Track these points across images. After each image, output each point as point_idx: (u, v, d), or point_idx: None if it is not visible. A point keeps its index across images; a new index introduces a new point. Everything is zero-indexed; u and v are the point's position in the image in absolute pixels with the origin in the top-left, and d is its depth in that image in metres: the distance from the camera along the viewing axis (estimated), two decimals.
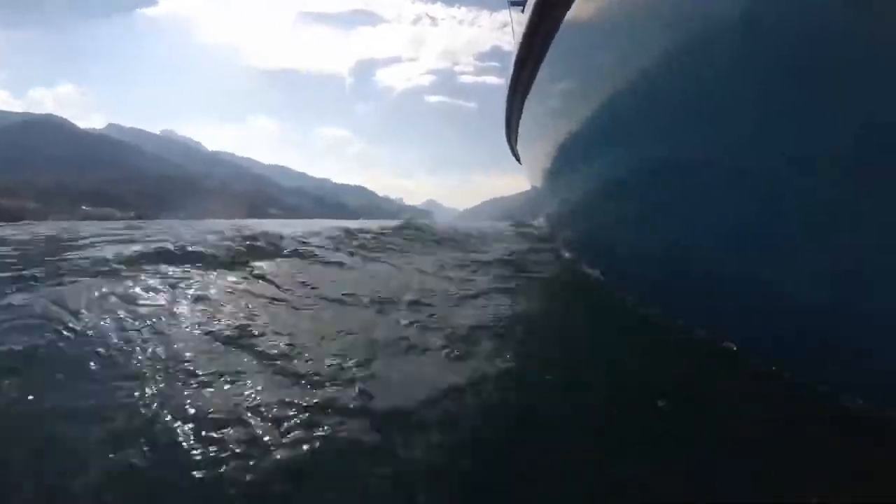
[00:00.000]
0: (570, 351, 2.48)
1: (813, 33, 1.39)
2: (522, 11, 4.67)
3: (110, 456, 1.34)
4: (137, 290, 2.79)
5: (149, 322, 2.32)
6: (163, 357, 1.97)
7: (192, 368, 1.88)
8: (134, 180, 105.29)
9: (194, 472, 1.29)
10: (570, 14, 2.92)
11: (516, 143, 7.25)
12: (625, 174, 2.80)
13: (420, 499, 1.28)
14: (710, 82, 1.80)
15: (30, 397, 1.59)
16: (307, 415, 1.61)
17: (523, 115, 5.48)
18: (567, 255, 5.66)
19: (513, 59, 4.81)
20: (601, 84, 2.68)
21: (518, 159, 8.13)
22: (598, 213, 3.67)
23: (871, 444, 1.50)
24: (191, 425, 1.50)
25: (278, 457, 1.37)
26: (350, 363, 2.02)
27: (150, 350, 2.01)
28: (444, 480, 1.37)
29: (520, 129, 6.09)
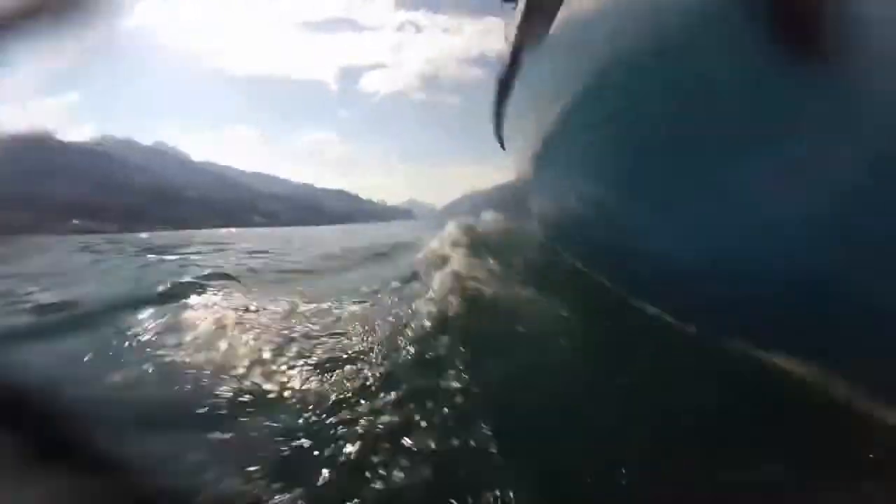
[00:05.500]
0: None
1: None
2: (514, 7, 4.82)
3: None
4: None
5: None
6: None
7: None
8: (121, 193, 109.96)
9: None
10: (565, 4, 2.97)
11: (502, 128, 6.96)
12: (628, 161, 2.60)
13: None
14: (711, 60, 1.78)
15: None
16: None
17: (512, 97, 5.16)
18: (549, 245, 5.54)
19: (507, 47, 4.78)
20: (601, 61, 2.51)
21: (502, 145, 7.81)
22: (601, 208, 3.34)
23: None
24: None
25: None
26: None
27: None
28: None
29: (507, 113, 5.84)
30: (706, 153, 1.91)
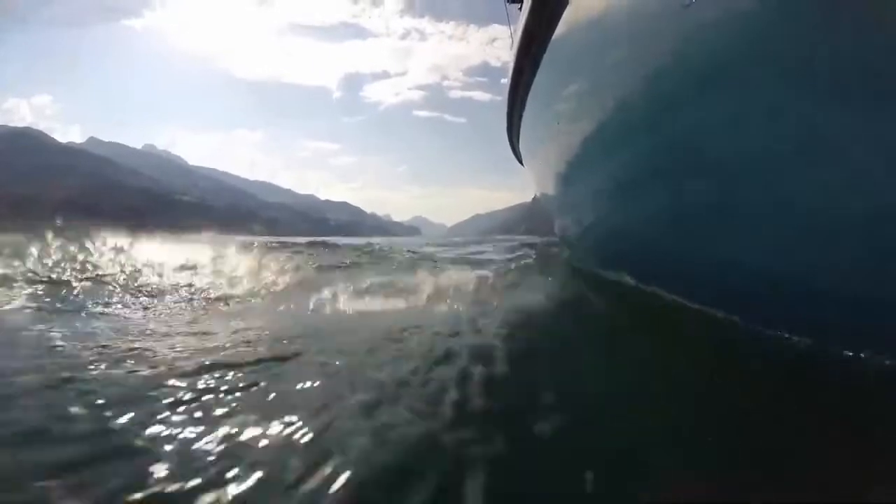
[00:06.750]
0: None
1: (817, 31, 1.42)
2: (520, 9, 4.67)
3: None
4: None
5: None
6: None
7: None
8: (113, 193, 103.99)
9: None
10: (570, 5, 2.92)
11: (518, 143, 6.75)
12: (649, 171, 2.59)
13: None
14: (731, 64, 1.76)
15: None
16: None
17: (526, 110, 5.09)
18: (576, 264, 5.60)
19: (513, 53, 4.66)
20: (617, 72, 2.52)
21: (520, 160, 7.67)
22: (628, 214, 3.27)
23: None
24: None
25: None
26: None
27: None
28: None
29: (522, 126, 5.71)
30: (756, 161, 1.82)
